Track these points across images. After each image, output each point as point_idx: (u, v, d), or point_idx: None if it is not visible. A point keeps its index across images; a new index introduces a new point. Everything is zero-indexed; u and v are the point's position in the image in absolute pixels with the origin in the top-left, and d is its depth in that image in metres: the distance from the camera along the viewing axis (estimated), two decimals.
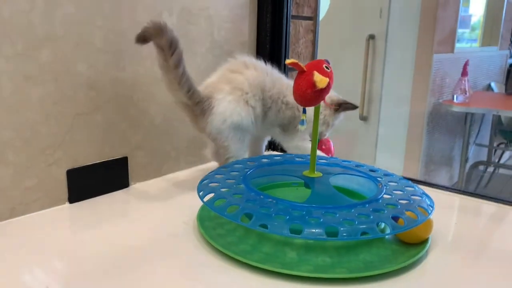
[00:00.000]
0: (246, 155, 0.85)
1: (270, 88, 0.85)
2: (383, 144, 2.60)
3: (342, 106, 0.91)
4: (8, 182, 0.67)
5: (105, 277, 0.54)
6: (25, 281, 0.53)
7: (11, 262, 0.57)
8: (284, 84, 0.87)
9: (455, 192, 0.88)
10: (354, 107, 0.91)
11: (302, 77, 0.61)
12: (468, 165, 2.87)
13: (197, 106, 0.77)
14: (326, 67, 0.62)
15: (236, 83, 0.81)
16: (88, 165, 0.76)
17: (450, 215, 0.78)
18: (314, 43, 1.21)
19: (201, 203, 0.71)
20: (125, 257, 0.59)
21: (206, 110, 0.78)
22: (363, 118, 2.62)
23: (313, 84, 0.60)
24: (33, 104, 0.68)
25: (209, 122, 0.79)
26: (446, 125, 2.84)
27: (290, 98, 0.85)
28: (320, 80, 0.59)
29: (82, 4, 0.71)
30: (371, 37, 2.57)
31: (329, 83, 0.61)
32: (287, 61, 0.61)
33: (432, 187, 0.90)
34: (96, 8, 0.73)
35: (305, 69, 0.61)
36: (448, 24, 2.65)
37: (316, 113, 0.66)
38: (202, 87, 0.80)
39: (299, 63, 0.61)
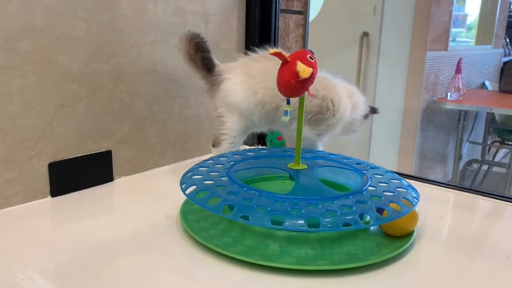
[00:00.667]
0: (241, 141, 0.86)
1: None
2: (377, 141, 2.60)
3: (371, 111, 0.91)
4: None
5: (86, 271, 0.53)
6: (5, 275, 0.52)
7: None
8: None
9: (446, 187, 0.87)
10: (375, 111, 0.92)
11: (286, 67, 0.60)
12: (462, 162, 2.87)
13: (212, 78, 0.83)
14: (310, 57, 0.61)
15: (248, 69, 0.82)
16: (70, 158, 0.75)
17: (437, 209, 0.77)
18: (304, 37, 1.20)
19: (185, 197, 0.70)
20: (107, 251, 0.58)
21: (216, 84, 0.82)
22: None
23: (296, 74, 0.59)
24: (13, 95, 0.67)
25: (215, 95, 0.83)
26: (439, 123, 2.84)
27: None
28: (303, 70, 0.58)
29: None
30: (365, 34, 2.56)
31: (312, 73, 0.60)
32: (271, 51, 0.60)
33: (423, 181, 0.89)
34: (78, 0, 0.72)
35: (288, 59, 0.60)
36: (441, 22, 2.65)
37: (301, 104, 0.65)
38: (222, 66, 0.85)
39: (283, 53, 0.60)
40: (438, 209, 0.76)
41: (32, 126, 0.69)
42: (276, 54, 0.60)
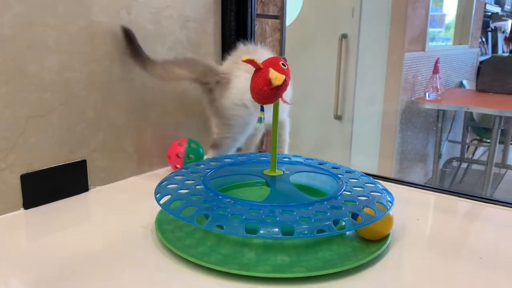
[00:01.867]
0: (240, 145, 0.87)
1: None
2: (357, 143, 2.62)
3: None
4: None
5: (60, 283, 0.52)
6: None
7: None
8: None
9: (424, 189, 0.88)
10: None
11: (259, 74, 0.60)
12: (441, 161, 2.92)
13: (214, 81, 0.81)
14: (283, 64, 0.61)
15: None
16: (44, 169, 0.74)
17: (414, 211, 0.78)
18: (281, 42, 1.20)
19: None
20: (81, 263, 0.57)
21: (223, 85, 0.80)
22: (337, 117, 2.64)
23: (269, 81, 0.59)
24: None
25: (224, 96, 0.80)
26: (419, 123, 2.88)
27: None
28: (275, 77, 0.58)
29: (33, 4, 0.69)
30: (344, 36, 2.58)
31: (285, 80, 0.60)
32: (243, 59, 0.60)
33: (401, 184, 0.90)
34: (48, 8, 0.71)
35: (261, 66, 0.61)
36: (418, 23, 2.69)
37: (275, 111, 0.65)
38: (225, 65, 0.84)
39: (255, 61, 0.60)
40: (414, 212, 0.77)
41: (3, 138, 0.68)
42: (249, 62, 0.60)
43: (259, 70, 0.61)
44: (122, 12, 0.82)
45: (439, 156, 2.83)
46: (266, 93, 0.60)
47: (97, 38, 0.79)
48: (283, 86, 0.60)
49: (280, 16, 1.19)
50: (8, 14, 0.66)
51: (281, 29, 1.20)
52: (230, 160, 0.78)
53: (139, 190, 0.83)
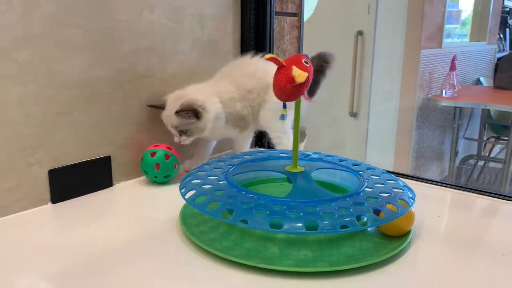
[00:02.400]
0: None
1: None
2: (373, 140, 2.61)
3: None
4: None
5: (87, 277, 0.54)
6: (5, 281, 0.53)
7: None
8: None
9: (443, 186, 0.88)
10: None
11: (282, 72, 0.61)
12: (458, 159, 2.89)
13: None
14: (305, 61, 0.62)
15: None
16: (70, 165, 0.76)
17: (434, 208, 0.78)
18: (299, 39, 1.21)
19: (184, 201, 0.71)
20: (107, 257, 0.59)
21: (260, 107, 0.92)
22: (353, 115, 2.63)
23: (292, 79, 0.60)
24: (13, 104, 0.67)
25: (263, 116, 0.93)
26: (435, 120, 2.86)
27: None
28: (298, 74, 0.59)
29: (61, 3, 0.71)
30: (360, 33, 2.57)
31: (308, 77, 0.61)
32: (266, 56, 0.61)
33: (419, 181, 0.90)
34: (75, 7, 0.73)
35: (284, 64, 0.61)
36: (435, 20, 2.66)
37: (297, 108, 0.66)
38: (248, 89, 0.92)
39: (278, 58, 0.61)
40: (434, 208, 0.78)
41: (32, 134, 0.70)
42: (272, 60, 0.61)
43: (282, 68, 0.62)
44: (145, 11, 0.84)
45: (456, 153, 2.80)
46: (289, 90, 0.61)
47: (121, 37, 0.80)
48: (305, 83, 0.61)
49: (298, 13, 1.19)
50: (37, 13, 0.68)
51: (299, 26, 1.20)
52: (250, 156, 0.79)
53: (162, 185, 0.85)
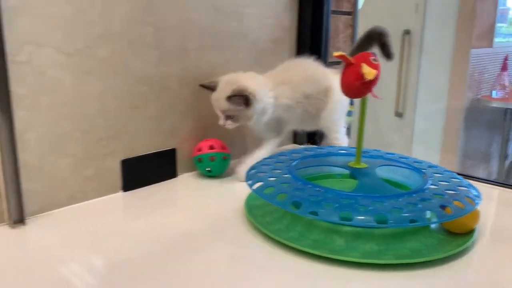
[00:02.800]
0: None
1: None
2: (419, 141, 2.56)
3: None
4: (68, 171, 0.72)
5: (161, 260, 0.58)
6: (83, 263, 0.57)
7: (71, 246, 0.62)
8: None
9: (496, 185, 0.87)
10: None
11: (350, 69, 0.63)
12: (507, 162, 2.80)
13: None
14: (374, 59, 0.63)
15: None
16: (140, 156, 0.80)
17: (496, 207, 0.78)
18: (352, 38, 1.22)
19: (246, 193, 0.74)
20: (178, 242, 0.63)
21: (319, 111, 0.94)
22: (398, 115, 2.59)
23: (361, 76, 0.61)
24: (92, 98, 0.72)
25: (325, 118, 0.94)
26: (484, 121, 2.78)
27: None
28: (368, 72, 0.61)
29: (138, 3, 0.75)
30: (406, 32, 2.53)
31: (376, 75, 0.62)
32: (335, 54, 0.63)
33: (481, 181, 0.89)
34: (149, 6, 0.77)
35: (352, 61, 0.63)
36: (486, 18, 2.59)
37: (363, 105, 0.67)
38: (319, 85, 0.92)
39: (347, 56, 0.62)
40: (497, 207, 0.77)
41: (108, 126, 0.75)
42: (341, 57, 0.63)
43: (350, 65, 0.63)
44: (211, 11, 0.87)
45: (505, 156, 2.72)
46: (357, 87, 0.63)
47: (188, 35, 0.84)
48: (374, 81, 0.62)
49: (352, 12, 1.20)
50: (116, 12, 0.73)
51: (353, 25, 1.21)
52: (311, 152, 0.81)
53: (222, 178, 0.88)
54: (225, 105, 0.82)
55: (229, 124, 0.84)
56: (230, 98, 0.81)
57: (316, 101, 0.92)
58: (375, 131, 2.48)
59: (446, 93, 2.52)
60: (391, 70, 2.53)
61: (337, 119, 0.95)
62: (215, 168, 0.87)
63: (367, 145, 0.90)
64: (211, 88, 0.85)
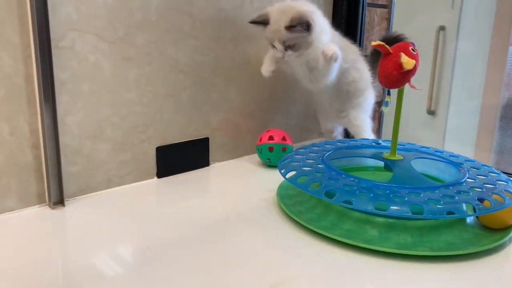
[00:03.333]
0: None
1: None
2: (452, 140, 2.51)
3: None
4: (106, 155, 0.74)
5: (194, 245, 0.59)
6: (123, 242, 0.59)
7: (108, 228, 0.63)
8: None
9: None
10: None
11: (388, 59, 0.62)
12: None
13: None
14: (412, 49, 0.63)
15: None
16: (174, 143, 0.81)
17: None
18: (388, 31, 1.20)
19: (278, 183, 0.74)
20: (211, 227, 0.63)
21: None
22: (431, 113, 2.54)
23: (399, 66, 0.61)
24: (130, 84, 0.74)
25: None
26: None
27: None
28: (407, 61, 0.60)
29: None
30: (442, 28, 2.48)
31: (415, 65, 0.61)
32: (373, 43, 0.62)
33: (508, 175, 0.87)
34: None
35: (391, 51, 0.62)
36: None
37: (400, 95, 0.67)
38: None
39: (385, 45, 0.62)
40: None
41: (145, 113, 0.76)
42: (379, 46, 0.62)
43: (388, 55, 0.63)
44: (246, 2, 0.87)
45: None
46: (395, 77, 0.62)
47: (224, 25, 0.85)
48: (412, 71, 0.62)
49: (388, 5, 1.19)
50: (155, 1, 0.74)
51: (389, 18, 1.20)
52: (343, 144, 0.81)
53: (253, 168, 0.89)
54: (285, 35, 0.80)
55: (289, 55, 0.82)
56: (290, 27, 0.79)
57: (352, 72, 0.91)
58: (406, 129, 2.43)
59: (481, 91, 2.45)
60: (425, 67, 2.48)
61: (365, 118, 0.94)
62: (274, 158, 0.87)
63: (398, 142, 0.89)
64: (263, 22, 0.82)
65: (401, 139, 0.88)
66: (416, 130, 2.57)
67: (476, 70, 2.47)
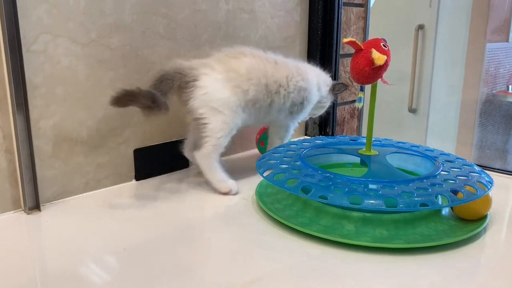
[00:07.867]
0: (225, 143, 0.77)
1: (274, 73, 0.78)
2: (433, 137, 2.54)
3: (335, 88, 0.88)
4: (82, 158, 0.73)
5: (172, 244, 0.58)
6: (100, 246, 0.58)
7: (85, 232, 0.63)
8: (292, 67, 0.82)
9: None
10: (345, 87, 0.89)
11: (360, 55, 0.63)
12: None
13: (180, 78, 0.73)
14: (384, 45, 0.63)
15: (231, 66, 0.75)
16: (153, 145, 0.81)
17: (508, 196, 0.77)
18: (365, 30, 1.21)
19: (257, 182, 0.74)
20: (192, 227, 0.64)
21: (188, 82, 0.73)
22: (412, 111, 2.57)
23: (371, 62, 0.61)
24: (105, 87, 0.73)
25: (192, 96, 0.73)
26: (500, 117, 2.74)
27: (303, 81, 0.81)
28: (378, 57, 0.61)
29: None
30: (420, 27, 2.51)
31: (386, 61, 0.62)
32: (344, 40, 0.63)
33: (492, 170, 0.88)
34: None
35: (362, 47, 0.63)
36: (502, 12, 2.55)
37: (373, 91, 0.67)
38: (195, 61, 0.76)
39: (357, 42, 0.63)
40: (507, 196, 0.76)
41: (121, 115, 0.76)
42: (350, 43, 0.63)
43: (360, 51, 0.63)
44: (222, 2, 0.88)
45: None
46: (367, 73, 0.63)
47: (199, 26, 0.85)
48: (384, 67, 0.62)
49: (364, 4, 1.20)
50: (128, 3, 0.74)
51: (365, 17, 1.21)
52: (321, 141, 0.82)
53: (233, 169, 0.88)
54: None
55: None
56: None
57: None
58: (388, 127, 2.46)
59: (461, 89, 2.49)
60: (405, 66, 2.51)
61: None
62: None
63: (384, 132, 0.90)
64: None
65: (382, 136, 0.89)
66: (398, 128, 2.60)
67: (455, 68, 2.51)
